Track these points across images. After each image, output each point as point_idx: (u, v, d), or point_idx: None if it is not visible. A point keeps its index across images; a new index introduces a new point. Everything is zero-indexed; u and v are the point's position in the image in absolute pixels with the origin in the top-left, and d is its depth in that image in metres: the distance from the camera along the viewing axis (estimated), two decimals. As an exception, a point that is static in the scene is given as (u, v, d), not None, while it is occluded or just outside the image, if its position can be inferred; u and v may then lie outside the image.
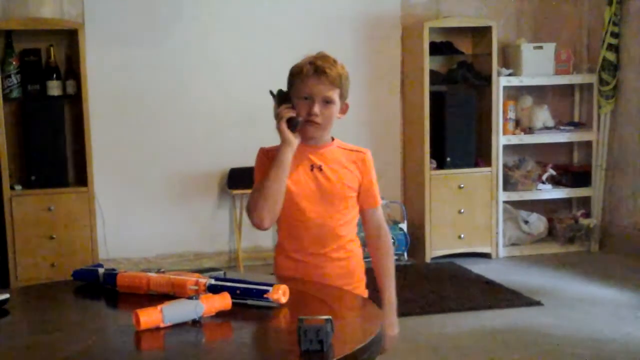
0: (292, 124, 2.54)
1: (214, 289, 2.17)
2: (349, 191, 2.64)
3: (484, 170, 6.39)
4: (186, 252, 6.26)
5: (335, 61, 2.62)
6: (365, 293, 2.73)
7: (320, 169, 2.62)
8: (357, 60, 6.36)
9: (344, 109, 2.65)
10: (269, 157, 2.60)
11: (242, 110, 6.24)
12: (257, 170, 2.63)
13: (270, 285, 2.15)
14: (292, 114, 2.55)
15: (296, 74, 2.60)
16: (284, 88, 2.65)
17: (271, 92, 2.64)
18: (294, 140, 2.54)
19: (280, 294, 2.14)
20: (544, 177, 6.66)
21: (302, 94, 2.57)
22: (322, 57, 2.63)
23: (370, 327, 2.02)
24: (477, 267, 6.06)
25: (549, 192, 6.65)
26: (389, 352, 2.71)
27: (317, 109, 2.56)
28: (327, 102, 2.58)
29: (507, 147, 6.51)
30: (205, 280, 2.21)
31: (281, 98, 2.59)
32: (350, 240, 2.69)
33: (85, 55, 5.68)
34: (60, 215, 5.66)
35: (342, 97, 2.62)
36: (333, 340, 1.82)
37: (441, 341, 4.51)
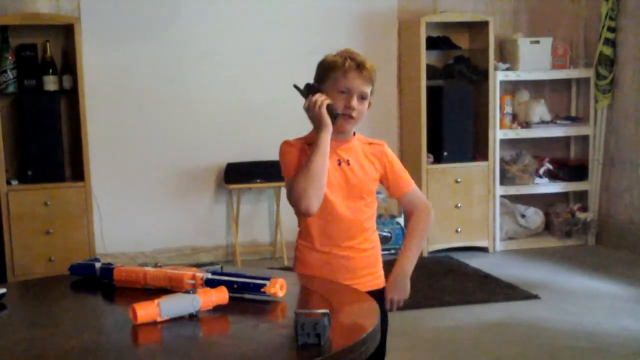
0: (331, 115, 2.55)
1: (211, 283, 2.17)
2: (373, 184, 2.70)
3: (481, 164, 6.39)
4: (183, 246, 6.26)
5: (366, 58, 2.66)
6: (384, 283, 2.75)
7: (348, 163, 2.65)
8: (354, 54, 6.35)
9: (369, 105, 2.69)
10: (297, 148, 2.61)
11: (239, 105, 6.24)
12: (288, 161, 2.61)
13: (267, 279, 2.15)
14: (330, 102, 2.57)
15: (335, 68, 2.61)
16: (295, 83, 2.67)
17: (296, 86, 2.65)
18: (331, 127, 2.56)
19: (278, 288, 2.13)
20: (541, 171, 6.67)
21: (341, 87, 2.60)
22: (356, 53, 2.66)
23: (367, 321, 2.02)
24: (475, 261, 6.07)
25: (545, 186, 6.66)
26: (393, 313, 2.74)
27: (355, 103, 2.60)
28: (362, 97, 2.62)
29: (504, 142, 6.52)
30: (202, 274, 2.21)
31: (311, 90, 2.61)
32: (374, 232, 2.74)
33: (82, 50, 5.67)
34: (57, 210, 5.66)
35: (372, 94, 2.67)
36: (330, 334, 1.82)
37: (438, 335, 4.52)
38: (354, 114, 2.61)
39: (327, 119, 2.55)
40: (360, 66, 2.60)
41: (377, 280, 2.72)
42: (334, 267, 2.63)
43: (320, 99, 2.56)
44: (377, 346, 1.99)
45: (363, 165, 2.68)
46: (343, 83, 2.59)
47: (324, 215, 2.62)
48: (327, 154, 2.54)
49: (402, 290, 2.72)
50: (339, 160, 2.64)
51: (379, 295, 2.61)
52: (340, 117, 2.58)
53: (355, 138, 2.71)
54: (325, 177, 2.54)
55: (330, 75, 2.61)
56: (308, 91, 2.61)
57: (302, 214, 2.59)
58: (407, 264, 2.74)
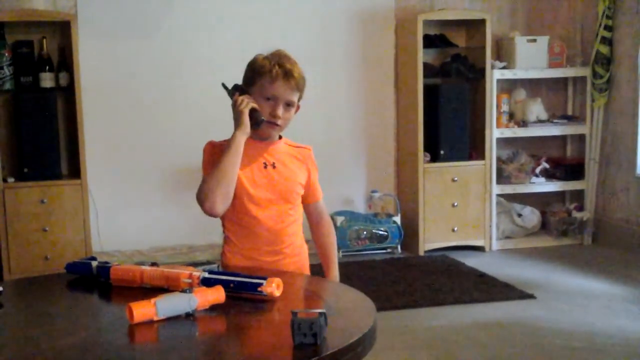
0: (254, 121, 2.55)
1: (207, 282, 2.17)
2: (299, 188, 2.69)
3: (478, 163, 6.39)
4: (180, 244, 6.25)
5: (296, 63, 2.65)
6: None
7: (273, 166, 2.64)
8: (351, 53, 6.36)
9: (296, 109, 2.69)
10: (216, 147, 2.62)
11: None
12: (207, 162, 2.62)
13: (264, 278, 2.15)
14: (256, 107, 2.57)
15: (262, 74, 2.60)
16: (224, 82, 2.71)
17: (224, 85, 2.68)
18: (249, 129, 2.55)
19: (274, 287, 2.13)
20: (538, 170, 6.67)
21: (267, 94, 2.59)
22: (287, 57, 2.65)
23: (364, 321, 2.02)
24: (471, 260, 6.07)
25: (542, 186, 6.66)
26: None
27: (280, 111, 2.60)
28: (289, 105, 2.62)
29: (500, 140, 6.52)
30: (199, 273, 2.21)
31: (238, 92, 2.61)
32: (299, 237, 2.73)
33: (78, 47, 5.66)
34: (53, 207, 5.65)
35: (300, 99, 2.66)
36: (326, 334, 1.82)
37: (434, 334, 4.52)
38: (279, 122, 2.60)
39: (246, 120, 2.54)
40: (287, 74, 2.58)
41: None
42: (259, 274, 2.59)
43: (246, 100, 2.56)
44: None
45: (290, 168, 2.67)
46: (269, 90, 2.59)
47: (247, 218, 2.60)
48: (238, 155, 2.52)
49: None
50: (264, 163, 2.63)
51: None
52: (265, 124, 2.58)
53: (281, 142, 2.70)
54: (235, 178, 2.52)
55: (257, 80, 2.61)
56: (234, 92, 2.61)
57: (207, 214, 2.54)
58: (337, 278, 2.79)
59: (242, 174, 2.57)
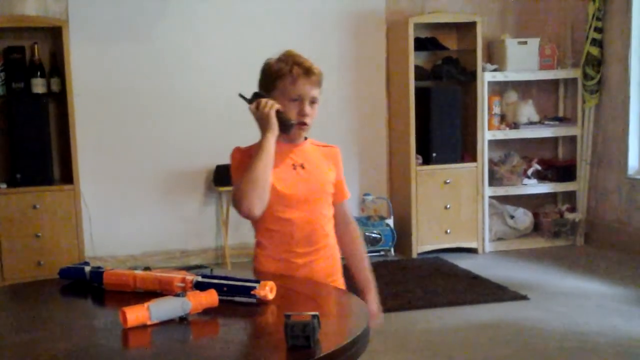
0: (284, 126, 2.52)
1: (200, 286, 2.17)
2: (330, 187, 2.66)
3: (470, 165, 6.41)
4: (173, 249, 6.25)
5: (310, 59, 2.63)
6: (343, 285, 2.73)
7: (302, 167, 2.62)
8: (343, 56, 6.37)
9: None
10: (245, 153, 2.58)
11: (228, 106, 6.22)
12: (237, 168, 2.58)
13: (257, 282, 2.15)
14: (280, 107, 2.53)
15: (282, 76, 2.57)
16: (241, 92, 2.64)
17: (241, 96, 2.61)
18: (277, 130, 2.52)
19: (267, 290, 2.14)
20: (529, 172, 6.69)
21: (292, 95, 2.56)
22: (299, 56, 2.62)
23: (357, 322, 2.02)
24: (464, 262, 6.08)
25: (534, 187, 6.68)
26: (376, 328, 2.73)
27: (307, 109, 2.57)
28: (313, 101, 2.60)
29: (492, 142, 6.54)
30: (192, 277, 2.21)
31: (260, 98, 2.57)
32: (332, 237, 2.70)
33: (70, 52, 5.66)
34: (45, 213, 5.64)
35: (320, 94, 2.64)
36: (319, 336, 1.82)
37: (428, 336, 4.53)
38: (307, 121, 2.58)
39: (274, 122, 2.50)
40: (308, 71, 2.57)
41: (337, 285, 2.68)
42: (294, 275, 2.56)
43: (270, 102, 2.52)
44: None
45: (319, 167, 2.65)
46: (293, 91, 2.55)
47: (280, 221, 2.57)
48: (271, 157, 2.49)
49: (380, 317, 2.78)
50: (293, 164, 2.61)
51: None
52: (295, 125, 2.56)
53: (307, 142, 2.68)
54: (269, 180, 2.48)
55: (278, 84, 2.57)
56: (255, 100, 2.56)
57: (245, 217, 2.51)
58: (377, 303, 2.79)
59: (271, 176, 2.54)
